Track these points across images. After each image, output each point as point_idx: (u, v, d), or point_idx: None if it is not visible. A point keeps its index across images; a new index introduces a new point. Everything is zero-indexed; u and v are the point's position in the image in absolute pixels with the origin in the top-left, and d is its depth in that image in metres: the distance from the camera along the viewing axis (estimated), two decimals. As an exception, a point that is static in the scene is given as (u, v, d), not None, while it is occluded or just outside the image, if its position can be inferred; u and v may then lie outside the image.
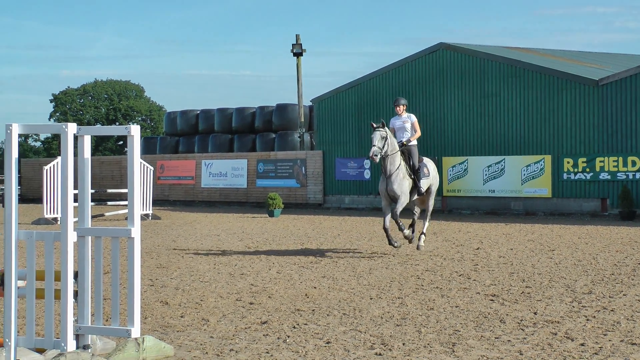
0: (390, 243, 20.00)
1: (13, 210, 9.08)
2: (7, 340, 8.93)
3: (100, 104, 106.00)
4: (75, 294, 9.01)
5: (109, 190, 38.44)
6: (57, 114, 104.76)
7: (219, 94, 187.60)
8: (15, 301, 9.05)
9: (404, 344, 10.19)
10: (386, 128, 19.81)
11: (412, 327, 11.28)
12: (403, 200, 20.00)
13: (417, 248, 20.58)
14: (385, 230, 19.98)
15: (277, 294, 14.12)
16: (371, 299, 13.62)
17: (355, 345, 10.16)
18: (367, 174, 38.99)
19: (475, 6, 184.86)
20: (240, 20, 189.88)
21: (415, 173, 20.39)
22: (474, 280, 15.62)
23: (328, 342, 10.35)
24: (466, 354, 9.64)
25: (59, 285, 9.02)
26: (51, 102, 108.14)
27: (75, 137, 9.09)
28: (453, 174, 36.38)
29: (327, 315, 12.24)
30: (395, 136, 20.51)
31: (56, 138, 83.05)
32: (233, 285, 15.19)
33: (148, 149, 48.59)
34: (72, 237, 8.98)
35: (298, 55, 46.85)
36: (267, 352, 9.82)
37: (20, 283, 9.23)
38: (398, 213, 19.87)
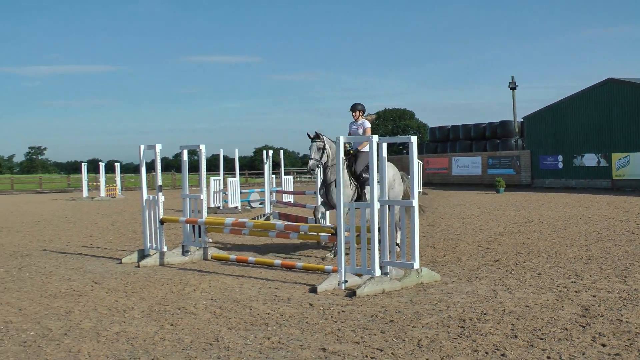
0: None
1: (341, 190, 9.36)
2: (339, 268, 9.22)
3: (387, 123, 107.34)
4: (379, 240, 9.19)
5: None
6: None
7: (463, 114, 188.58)
8: (343, 244, 9.32)
9: (590, 276, 9.81)
10: (324, 138, 12.41)
11: (596, 265, 10.82)
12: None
13: None
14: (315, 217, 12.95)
15: (504, 242, 13.86)
16: (566, 246, 13.14)
17: (557, 276, 9.86)
18: (560, 165, 37.68)
19: (634, 50, 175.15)
20: (476, 68, 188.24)
21: (358, 179, 12.67)
22: (637, 234, 14.77)
23: (539, 274, 10.10)
24: (634, 283, 9.18)
25: (369, 235, 9.23)
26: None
27: (377, 144, 9.26)
28: (619, 165, 34.54)
29: (538, 256, 11.92)
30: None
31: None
32: (475, 237, 15.02)
33: (419, 150, 48.74)
34: (376, 206, 9.16)
35: (513, 89, 46.36)
36: (500, 279, 9.69)
37: (346, 233, 9.50)
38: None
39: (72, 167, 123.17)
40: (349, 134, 12.87)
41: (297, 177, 67.22)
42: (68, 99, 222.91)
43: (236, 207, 25.14)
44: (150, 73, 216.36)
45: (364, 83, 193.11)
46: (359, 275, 9.31)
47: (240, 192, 26.12)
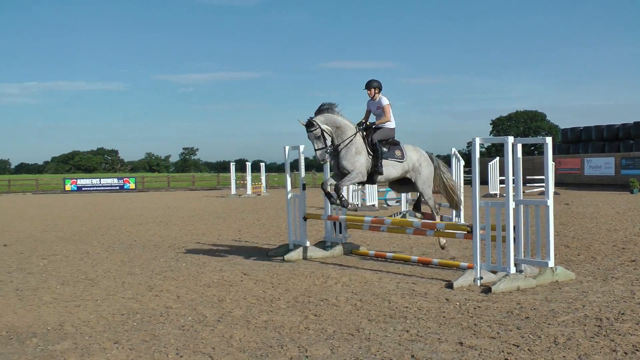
0: (335, 202, 11.13)
1: (477, 190, 9.20)
2: (475, 264, 9.07)
3: (519, 125, 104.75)
4: (514, 239, 8.96)
5: (527, 177, 37.73)
6: (494, 132, 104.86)
7: (595, 115, 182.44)
8: (478, 242, 9.15)
9: None
10: (316, 122, 10.76)
11: None
12: (353, 176, 10.88)
13: (442, 247, 11.67)
14: (323, 191, 11.37)
15: (640, 243, 13.22)
16: None
17: (698, 278, 9.31)
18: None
19: None
20: (608, 69, 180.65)
21: (374, 149, 11.07)
22: None
23: (678, 275, 9.57)
24: None
25: (504, 234, 9.03)
26: (490, 124, 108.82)
27: (512, 145, 9.03)
28: None
29: (676, 257, 11.29)
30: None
31: (494, 145, 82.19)
32: (609, 236, 14.34)
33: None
34: (511, 205, 8.95)
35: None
36: (637, 280, 9.22)
37: (481, 232, 9.32)
38: (342, 187, 10.91)
39: (221, 167, 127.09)
40: (367, 112, 11.53)
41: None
42: (218, 103, 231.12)
43: (373, 205, 25.20)
44: (290, 79, 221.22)
45: (496, 85, 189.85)
46: (494, 272, 9.12)
47: (377, 191, 26.21)
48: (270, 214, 23.93)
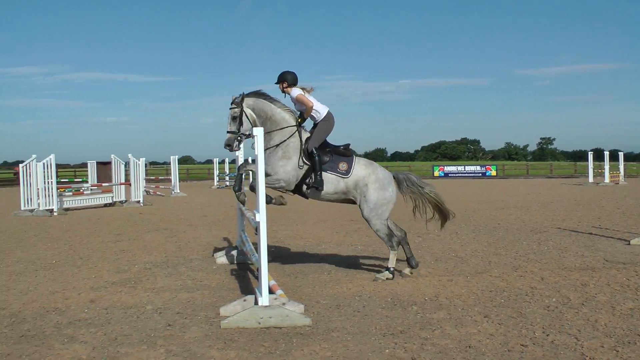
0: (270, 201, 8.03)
1: None
2: None
3: None
4: None
5: None
6: None
7: None
8: None
9: None
10: (246, 102, 8.15)
11: None
12: (272, 180, 8.10)
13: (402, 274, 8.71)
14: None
15: None
16: None
17: None
18: None
19: None
20: None
21: (311, 158, 8.22)
22: None
23: None
24: None
25: None
26: None
27: None
28: None
29: None
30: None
31: None
32: None
33: None
34: None
35: None
36: None
37: None
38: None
39: (578, 156, 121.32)
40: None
41: None
42: (573, 95, 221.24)
43: None
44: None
45: None
46: None
47: None
48: (629, 202, 22.19)
